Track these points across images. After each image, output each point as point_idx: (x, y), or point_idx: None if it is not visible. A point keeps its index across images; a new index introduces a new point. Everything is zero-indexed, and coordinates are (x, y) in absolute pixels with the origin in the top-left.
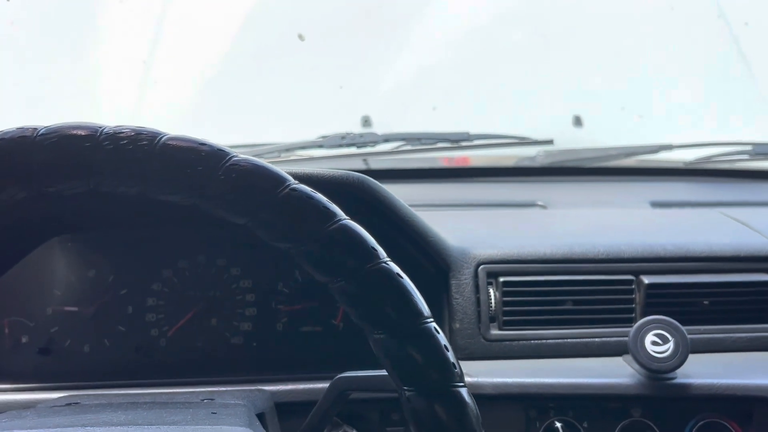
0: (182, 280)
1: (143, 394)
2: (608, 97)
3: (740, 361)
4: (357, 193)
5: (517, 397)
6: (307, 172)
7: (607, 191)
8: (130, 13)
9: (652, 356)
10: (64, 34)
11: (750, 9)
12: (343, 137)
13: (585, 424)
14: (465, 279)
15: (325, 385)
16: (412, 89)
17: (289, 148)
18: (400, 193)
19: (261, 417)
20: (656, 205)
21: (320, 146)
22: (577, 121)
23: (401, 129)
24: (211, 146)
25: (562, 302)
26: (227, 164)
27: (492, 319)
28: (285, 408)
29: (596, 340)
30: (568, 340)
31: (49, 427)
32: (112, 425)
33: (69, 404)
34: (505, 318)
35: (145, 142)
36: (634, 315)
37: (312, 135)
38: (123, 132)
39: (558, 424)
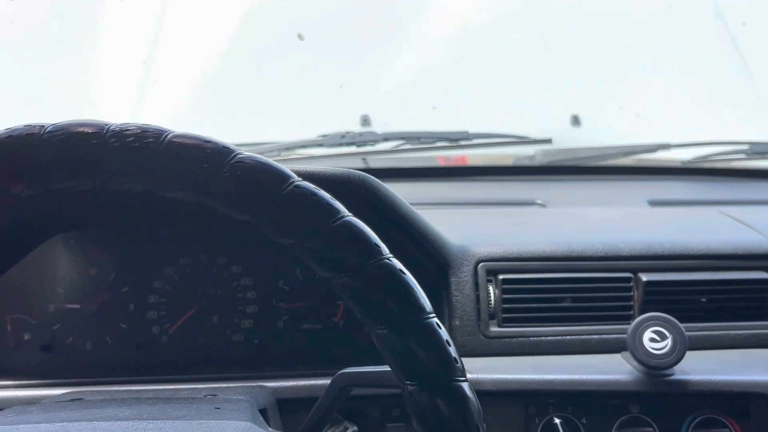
0: (183, 277)
1: (146, 390)
2: (606, 96)
3: (738, 358)
4: (358, 191)
5: (516, 393)
6: (308, 170)
7: (606, 190)
8: (130, 12)
9: (650, 353)
10: (65, 34)
11: (748, 9)
12: (342, 136)
13: (584, 420)
14: (465, 276)
15: (326, 381)
16: (412, 89)
17: (289, 147)
18: (399, 191)
19: (263, 413)
20: (654, 203)
21: (320, 145)
22: (575, 121)
23: (401, 128)
24: (216, 143)
25: (561, 299)
26: (232, 161)
27: (491, 317)
28: (286, 404)
29: (595, 337)
30: (567, 337)
31: (55, 422)
32: (117, 420)
33: (73, 400)
34: (504, 315)
35: (151, 140)
36: (632, 312)
37: (312, 134)
38: (129, 129)
39: (557, 420)
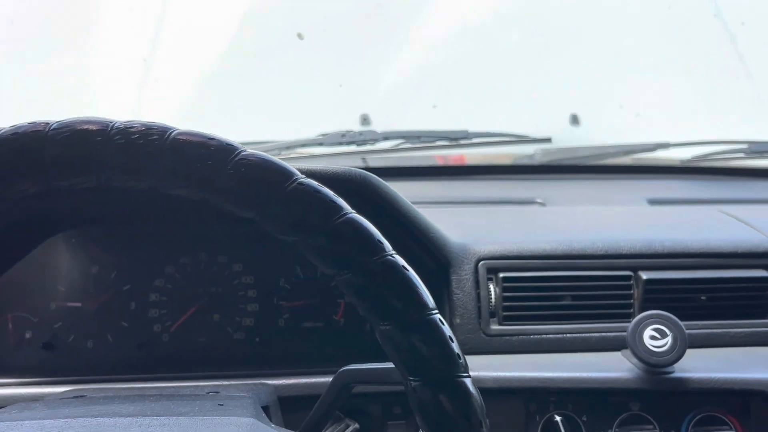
0: (184, 276)
1: (148, 388)
2: (606, 95)
3: (738, 356)
4: (359, 190)
5: (517, 391)
6: (310, 168)
7: (605, 189)
8: (130, 11)
9: (650, 351)
10: (65, 32)
11: (746, 8)
12: (343, 135)
13: (584, 418)
14: (465, 274)
15: (327, 379)
16: (411, 88)
17: (290, 146)
18: (400, 190)
19: (265, 410)
20: (654, 202)
21: (320, 144)
22: (575, 120)
23: (400, 127)
24: (219, 141)
25: (562, 298)
26: (236, 158)
27: (492, 315)
28: (287, 402)
29: (595, 335)
30: (568, 335)
31: (59, 418)
32: (121, 416)
33: (76, 397)
34: (505, 313)
35: (155, 137)
36: (632, 310)
37: (312, 133)
38: (133, 127)
39: (557, 418)
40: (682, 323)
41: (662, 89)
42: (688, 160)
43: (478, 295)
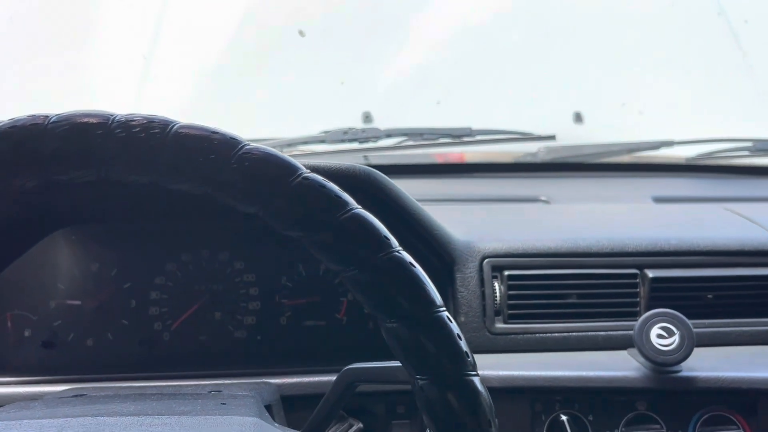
0: (186, 273)
1: (149, 387)
2: (609, 93)
3: (745, 355)
4: (363, 186)
5: (522, 390)
6: (313, 164)
7: (609, 187)
8: (130, 7)
9: (657, 349)
10: (64, 29)
11: (749, 6)
12: (345, 132)
13: (590, 418)
14: (470, 272)
15: (330, 378)
16: (414, 85)
17: (291, 143)
18: (403, 188)
19: (268, 409)
20: (658, 200)
21: (322, 141)
22: (578, 118)
23: (403, 124)
24: (223, 134)
25: (567, 296)
26: (240, 152)
27: (497, 313)
28: (290, 401)
29: (601, 333)
30: (573, 333)
31: (58, 417)
32: (122, 415)
33: (76, 395)
34: (509, 311)
35: (157, 130)
36: (638, 309)
37: (314, 130)
38: (135, 120)
39: (563, 417)
40: (689, 321)
41: (666, 87)
42: (693, 158)
43: (483, 294)
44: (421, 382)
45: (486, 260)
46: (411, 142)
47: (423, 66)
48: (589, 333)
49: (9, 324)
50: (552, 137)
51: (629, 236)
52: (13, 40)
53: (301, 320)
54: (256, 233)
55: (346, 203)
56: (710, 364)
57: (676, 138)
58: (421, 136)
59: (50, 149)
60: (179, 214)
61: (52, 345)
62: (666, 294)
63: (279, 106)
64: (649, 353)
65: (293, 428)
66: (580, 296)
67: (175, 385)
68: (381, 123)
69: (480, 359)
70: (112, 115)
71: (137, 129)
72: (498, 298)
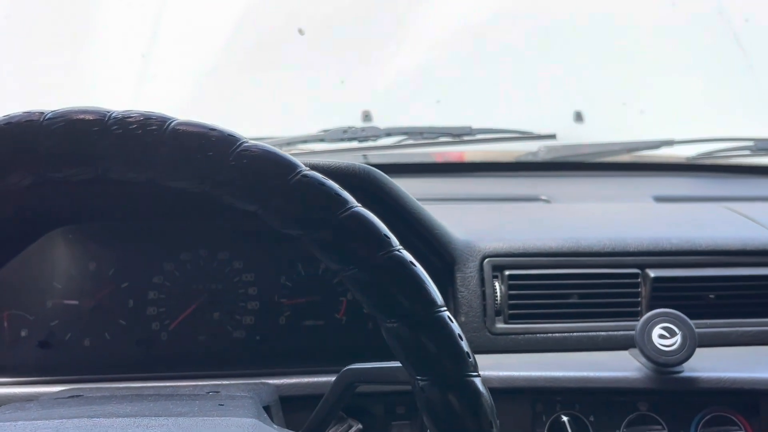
0: (184, 273)
1: (146, 387)
2: (610, 92)
3: (747, 355)
4: (363, 185)
5: (523, 390)
6: (312, 162)
7: (610, 186)
8: (128, 6)
9: (659, 350)
10: (62, 27)
11: (750, 5)
12: (344, 131)
13: (591, 418)
14: (470, 272)
15: (330, 378)
16: (414, 84)
17: (291, 142)
18: (403, 187)
19: (267, 410)
20: (659, 199)
21: (322, 140)
22: (578, 117)
23: (403, 123)
24: (221, 131)
25: (568, 296)
26: (238, 150)
27: (497, 313)
28: (289, 402)
29: (602, 333)
30: (574, 333)
31: (54, 419)
32: (118, 417)
33: (72, 396)
34: (510, 311)
35: (154, 127)
36: (640, 309)
37: (313, 129)
38: (132, 116)
39: (564, 418)
40: (691, 322)
41: (666, 86)
42: (693, 158)
43: (484, 293)
44: (421, 383)
45: (486, 260)
46: (411, 141)
47: (423, 65)
48: (590, 333)
49: (5, 324)
50: (552, 136)
51: (630, 236)
52: (11, 38)
53: (300, 320)
54: (255, 232)
55: (345, 201)
56: (712, 365)
57: (677, 137)
58: (421, 135)
59: (46, 146)
60: (177, 213)
61: (49, 345)
62: (667, 294)
63: (278, 104)
64: (650, 353)
65: (292, 429)
66: (581, 296)
67: (172, 386)
68: (381, 122)
69: (480, 359)
70: (108, 112)
71: (134, 126)
72: (498, 298)
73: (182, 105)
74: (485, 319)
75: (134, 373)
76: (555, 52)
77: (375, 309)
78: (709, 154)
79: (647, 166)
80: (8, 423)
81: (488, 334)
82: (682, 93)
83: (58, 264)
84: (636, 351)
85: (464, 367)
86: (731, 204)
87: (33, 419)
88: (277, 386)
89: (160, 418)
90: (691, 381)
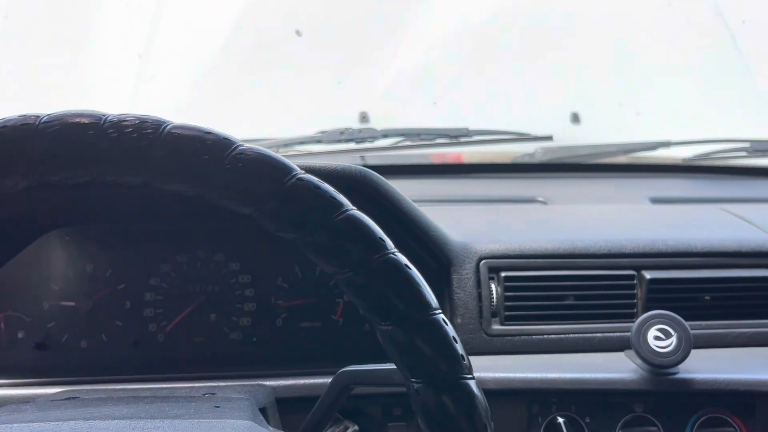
0: (180, 274)
1: (142, 389)
2: (606, 93)
3: (742, 357)
4: (359, 187)
5: (519, 392)
6: (309, 164)
7: (607, 187)
8: (126, 6)
9: (654, 351)
10: (59, 28)
11: (747, 6)
12: (341, 132)
13: (587, 420)
14: (466, 274)
15: (326, 380)
16: (411, 85)
17: (288, 144)
18: (400, 188)
19: (263, 411)
20: (656, 201)
21: (319, 141)
22: (575, 118)
23: (400, 125)
24: (216, 135)
25: (564, 297)
26: (233, 153)
27: (494, 314)
28: (285, 403)
29: (598, 335)
30: (570, 335)
31: (50, 421)
32: (114, 419)
33: (69, 398)
34: (506, 313)
35: (149, 131)
36: (635, 310)
37: (310, 130)
38: (127, 120)
39: (560, 420)
40: (686, 323)
41: (663, 87)
42: (690, 159)
43: (480, 295)
44: (416, 385)
45: (483, 261)
46: (408, 143)
47: (420, 66)
48: (586, 335)
49: (2, 325)
50: (549, 138)
51: (626, 237)
52: (8, 40)
53: (296, 322)
54: (251, 234)
55: (341, 204)
56: (708, 366)
57: (674, 138)
58: (418, 136)
59: (41, 150)
60: (174, 215)
61: (46, 346)
62: (663, 295)
63: (276, 106)
64: (646, 355)
65: (288, 431)
66: (577, 298)
67: (169, 388)
68: (378, 123)
69: (476, 361)
70: (104, 115)
71: (129, 129)
72: (495, 300)
73: (179, 106)
74: (481, 320)
75: (131, 374)
76: (551, 54)
77: (370, 312)
78: (705, 156)
79: (644, 167)
80: (4, 425)
81: (484, 335)
82: (678, 94)
83: (55, 266)
84: (632, 352)
85: (458, 369)
86: (727, 205)
87: (29, 421)
88: (274, 388)
89: (156, 420)
90: (687, 382)
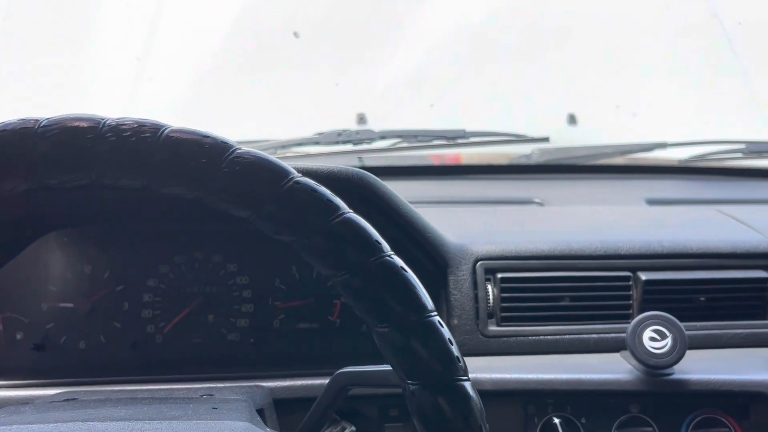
0: (179, 276)
1: (140, 390)
2: (603, 95)
3: (737, 357)
4: (356, 189)
5: (515, 393)
6: (306, 167)
7: (603, 189)
8: (124, 9)
9: (650, 352)
10: (58, 29)
11: (743, 8)
12: (339, 134)
13: (583, 420)
14: (463, 275)
15: (323, 381)
16: (408, 87)
17: (285, 145)
18: (397, 190)
19: (260, 413)
20: (652, 202)
21: (316, 143)
22: (572, 120)
23: (397, 126)
24: (214, 138)
25: (560, 298)
26: (231, 156)
27: (490, 316)
28: (283, 404)
29: (594, 336)
30: (566, 336)
31: (49, 422)
32: (112, 420)
33: (67, 400)
34: (503, 314)
35: (148, 134)
36: (631, 311)
37: (308, 132)
38: (126, 124)
39: (556, 420)
40: (681, 324)
41: (660, 89)
42: (686, 160)
43: (476, 296)
44: (412, 387)
45: (479, 263)
46: (405, 144)
47: (417, 68)
48: (582, 336)
49: (1, 327)
50: (546, 139)
51: (622, 239)
52: (7, 42)
53: (294, 323)
54: (249, 235)
55: (337, 207)
56: (702, 367)
57: (670, 140)
58: (415, 137)
59: (40, 153)
60: (172, 216)
61: (44, 348)
62: (659, 296)
63: (273, 107)
64: (641, 356)
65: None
66: (573, 299)
67: (167, 389)
68: (375, 125)
69: (473, 362)
70: (102, 119)
71: (128, 133)
72: (491, 301)
73: (177, 108)
74: (478, 321)
75: (129, 375)
76: (548, 55)
77: (366, 314)
78: (701, 157)
79: (640, 168)
80: (3, 427)
81: (481, 336)
82: (675, 96)
83: (54, 267)
84: (627, 353)
85: (454, 371)
86: (723, 207)
87: (28, 423)
88: (271, 389)
89: (153, 421)
90: (682, 383)
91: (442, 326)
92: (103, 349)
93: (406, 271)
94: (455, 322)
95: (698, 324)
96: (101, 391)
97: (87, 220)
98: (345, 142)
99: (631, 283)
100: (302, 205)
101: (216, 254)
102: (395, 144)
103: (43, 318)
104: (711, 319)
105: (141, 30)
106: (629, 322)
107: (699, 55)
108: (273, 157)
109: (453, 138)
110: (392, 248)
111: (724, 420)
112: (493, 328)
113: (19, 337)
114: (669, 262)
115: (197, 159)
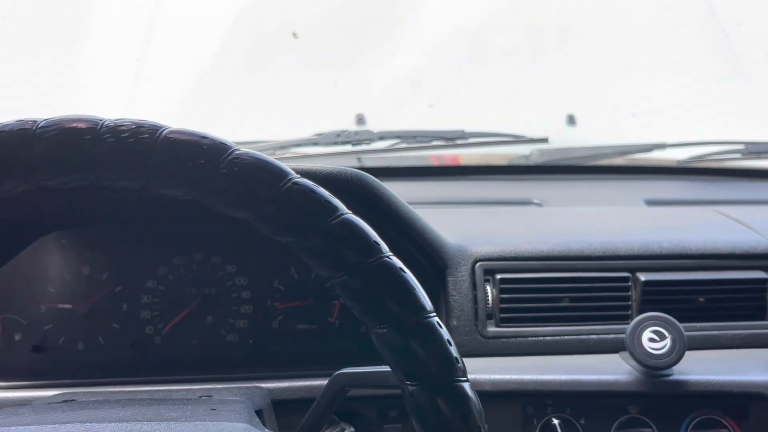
0: (177, 277)
1: (139, 392)
2: (602, 95)
3: (736, 358)
4: (355, 190)
5: (514, 394)
6: (305, 168)
7: (602, 189)
8: (123, 9)
9: (649, 353)
10: (56, 31)
11: (742, 9)
12: (338, 135)
13: (582, 421)
14: (462, 276)
15: (322, 382)
16: (407, 87)
17: (284, 146)
18: (395, 191)
19: (259, 414)
20: (651, 203)
21: (315, 144)
22: (571, 120)
23: (396, 127)
24: (212, 139)
25: (559, 299)
26: (229, 157)
27: (489, 316)
28: (282, 405)
29: (593, 337)
30: (565, 337)
31: (47, 424)
32: (111, 421)
33: (66, 401)
34: (502, 315)
35: (146, 135)
36: (630, 312)
37: (307, 133)
38: (124, 125)
39: (555, 421)
40: (680, 325)
41: (659, 90)
42: (685, 161)
43: (475, 297)
44: (410, 388)
45: (478, 264)
46: (404, 145)
47: (417, 68)
48: (581, 336)
49: None
50: (545, 140)
51: (621, 239)
52: (5, 42)
53: (293, 324)
54: (248, 236)
55: (336, 208)
56: (702, 368)
57: (669, 140)
58: (414, 138)
59: (39, 154)
60: (171, 217)
61: (43, 349)
62: (658, 297)
63: (272, 108)
64: (640, 357)
65: None
66: (572, 300)
67: (165, 390)
68: (374, 125)
69: (472, 363)
70: (101, 120)
71: (126, 134)
72: (490, 302)
73: (176, 108)
74: (477, 322)
75: (127, 377)
76: (547, 56)
77: (365, 315)
78: (700, 158)
79: (639, 169)
80: (2, 428)
81: (480, 337)
82: (674, 96)
83: (52, 268)
84: (626, 354)
85: (453, 372)
86: (722, 207)
87: (26, 424)
88: (270, 390)
89: (152, 423)
90: (681, 384)
91: (441, 327)
92: (101, 350)
93: (404, 272)
94: (454, 323)
95: (697, 325)
96: (100, 392)
97: (86, 221)
98: (344, 143)
99: (630, 283)
100: (301, 206)
101: (215, 255)
102: (394, 145)
103: (41, 319)
104: (710, 319)
105: (140, 30)
106: (628, 323)
107: (698, 56)
108: (271, 158)
109: (452, 139)
110: (391, 249)
111: (723, 421)
112: (492, 328)
113: (17, 338)
114: (668, 263)
115: (196, 160)
